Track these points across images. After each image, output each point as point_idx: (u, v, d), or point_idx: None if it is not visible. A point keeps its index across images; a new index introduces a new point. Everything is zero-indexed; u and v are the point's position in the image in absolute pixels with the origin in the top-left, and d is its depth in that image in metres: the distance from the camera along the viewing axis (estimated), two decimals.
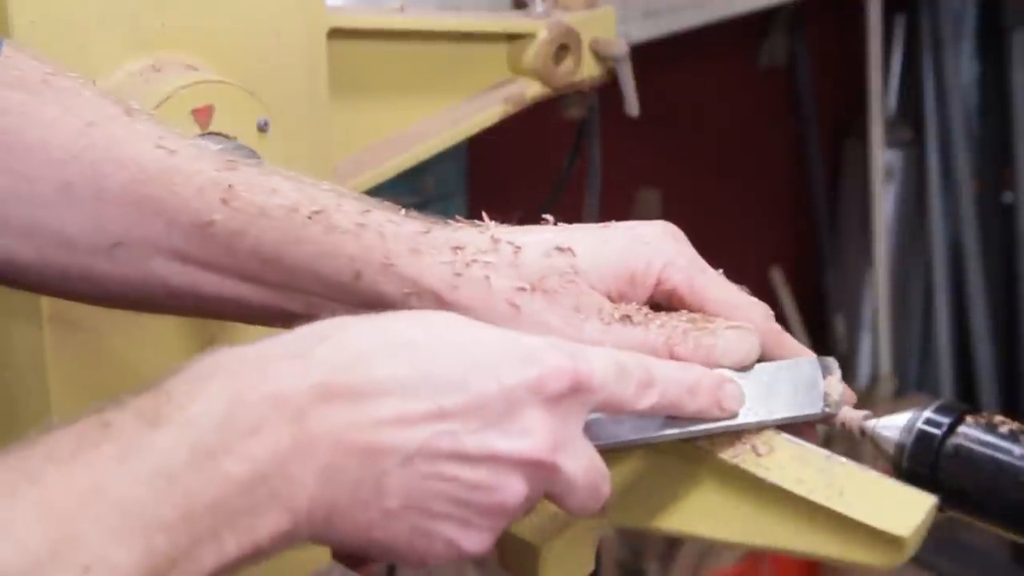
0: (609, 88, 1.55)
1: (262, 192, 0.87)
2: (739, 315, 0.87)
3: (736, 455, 0.85)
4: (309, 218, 0.86)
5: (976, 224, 3.51)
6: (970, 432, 0.81)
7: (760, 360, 0.87)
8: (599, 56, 1.52)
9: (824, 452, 0.84)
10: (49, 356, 1.12)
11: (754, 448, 0.85)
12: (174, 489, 0.66)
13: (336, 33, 1.27)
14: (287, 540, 0.71)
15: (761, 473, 0.84)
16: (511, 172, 2.49)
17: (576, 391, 0.76)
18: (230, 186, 0.86)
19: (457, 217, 0.90)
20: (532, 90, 1.48)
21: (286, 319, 0.89)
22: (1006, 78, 3.48)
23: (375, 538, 0.73)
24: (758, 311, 0.87)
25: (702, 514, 0.87)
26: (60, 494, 0.64)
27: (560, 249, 0.86)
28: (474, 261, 0.85)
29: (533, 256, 0.85)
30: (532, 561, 0.93)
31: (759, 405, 0.84)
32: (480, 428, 0.73)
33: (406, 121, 1.41)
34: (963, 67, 3.55)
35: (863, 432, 0.86)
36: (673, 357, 0.83)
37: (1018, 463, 0.79)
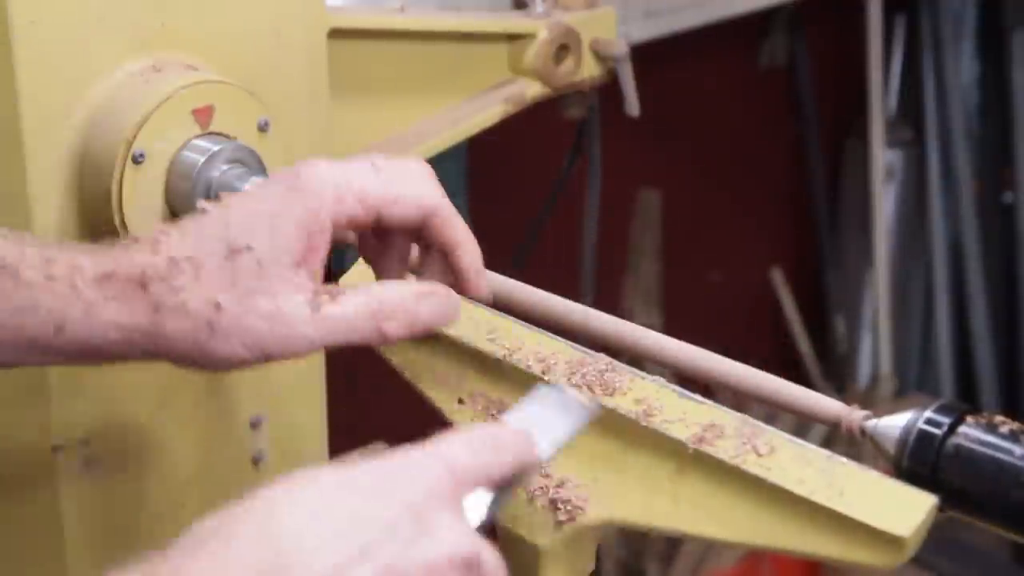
0: (609, 88, 1.56)
1: None
2: (408, 205, 0.89)
3: (737, 455, 0.85)
4: None
5: (976, 224, 3.51)
6: (970, 432, 0.81)
7: (428, 239, 0.91)
8: (599, 56, 1.52)
9: (825, 452, 0.84)
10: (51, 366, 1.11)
11: (754, 448, 0.85)
12: None
13: (336, 33, 1.27)
14: None
15: (762, 473, 0.84)
16: (511, 172, 2.49)
17: (456, 484, 0.75)
18: None
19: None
20: (532, 90, 1.48)
21: (12, 362, 0.91)
22: (1006, 78, 3.48)
23: None
24: (425, 188, 0.90)
25: (702, 514, 0.87)
26: None
27: (235, 250, 0.86)
28: (164, 292, 0.86)
29: (214, 264, 0.86)
30: (532, 561, 0.93)
31: (550, 432, 0.83)
32: (404, 549, 0.71)
33: (406, 121, 1.41)
34: (963, 67, 3.55)
35: (863, 432, 0.86)
36: (384, 332, 0.86)
37: (1018, 463, 0.79)
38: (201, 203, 0.90)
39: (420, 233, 0.92)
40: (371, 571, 0.70)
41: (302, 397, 1.28)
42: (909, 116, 3.57)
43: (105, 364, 0.92)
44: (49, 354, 0.89)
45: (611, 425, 0.91)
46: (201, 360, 0.88)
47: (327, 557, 0.69)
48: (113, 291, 0.87)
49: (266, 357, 0.87)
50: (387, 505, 0.72)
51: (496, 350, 0.96)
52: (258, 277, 0.86)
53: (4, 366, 0.92)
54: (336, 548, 0.70)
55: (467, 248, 0.92)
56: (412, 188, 0.91)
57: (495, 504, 0.77)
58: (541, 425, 0.83)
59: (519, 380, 0.95)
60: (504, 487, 0.78)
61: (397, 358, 1.02)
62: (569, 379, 0.93)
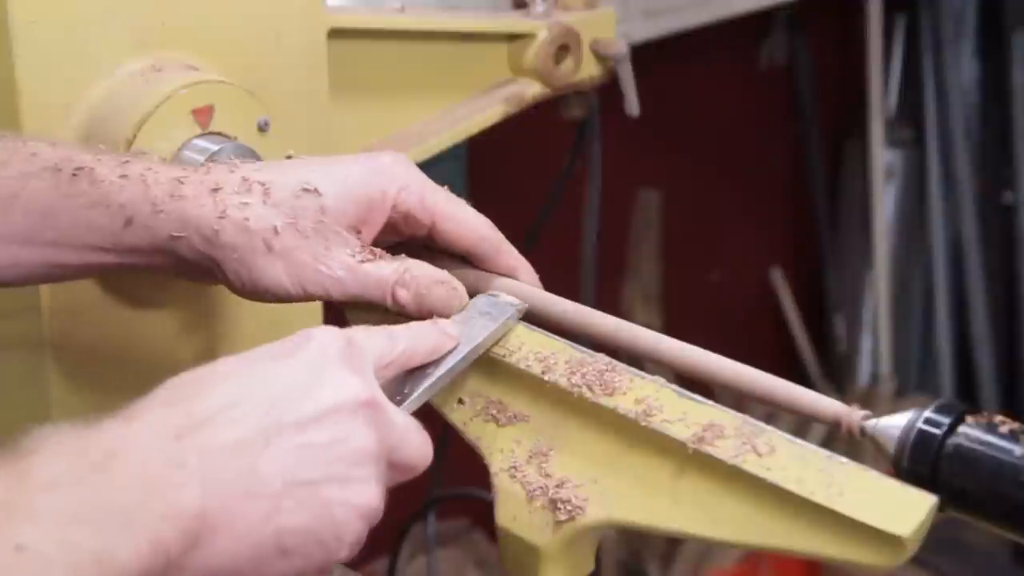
0: (609, 88, 1.56)
1: (24, 158, 0.95)
2: (467, 226, 0.99)
3: (737, 455, 0.85)
4: (74, 175, 0.94)
5: (976, 224, 3.51)
6: (970, 432, 0.81)
7: (481, 262, 1.00)
8: (599, 56, 1.52)
9: (825, 452, 0.84)
10: (49, 354, 1.12)
11: (754, 448, 0.85)
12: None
13: (336, 33, 1.27)
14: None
15: (762, 473, 0.84)
16: (511, 172, 2.49)
17: (352, 346, 0.84)
18: None
19: (211, 158, 1.00)
20: (532, 90, 1.48)
21: (63, 274, 0.98)
22: (1006, 78, 3.48)
23: (280, 526, 0.77)
24: (480, 221, 1.00)
25: (702, 514, 0.87)
26: None
27: (307, 190, 0.94)
28: (232, 204, 0.93)
29: (283, 195, 0.94)
30: (532, 561, 0.93)
31: (471, 331, 0.95)
32: (304, 397, 0.80)
33: (406, 121, 1.42)
34: (963, 67, 3.55)
35: (863, 432, 0.86)
36: (395, 298, 0.95)
37: (1018, 463, 0.79)
38: (289, 151, 0.99)
39: (473, 260, 1.00)
40: (271, 419, 0.78)
41: None
42: (909, 116, 3.57)
43: (158, 273, 0.99)
44: (111, 252, 0.95)
45: (611, 425, 0.91)
46: (246, 279, 0.94)
47: (232, 409, 0.77)
48: (182, 192, 0.94)
49: (303, 292, 0.94)
50: (291, 363, 0.81)
51: (496, 350, 0.96)
52: (317, 220, 0.94)
53: (61, 272, 0.98)
54: (241, 400, 0.78)
55: (524, 272, 1.01)
56: (472, 216, 1.00)
57: (427, 389, 0.90)
58: (469, 323, 0.95)
59: (519, 380, 0.95)
60: (428, 373, 0.91)
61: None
62: (569, 379, 0.93)
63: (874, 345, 3.58)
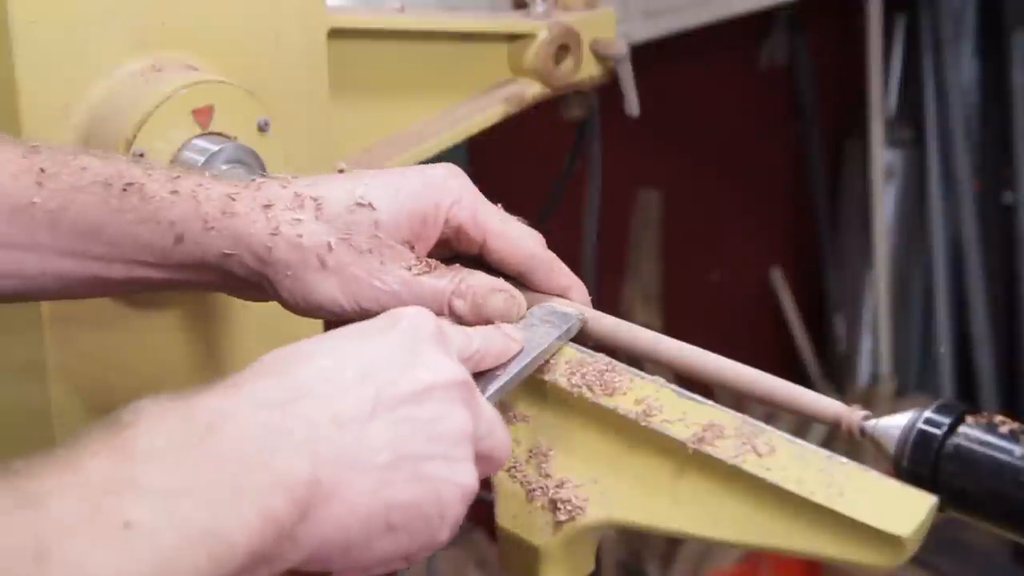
0: (609, 88, 1.55)
1: (74, 171, 0.92)
2: (518, 244, 0.97)
3: (737, 455, 0.85)
4: (124, 190, 0.92)
5: (976, 224, 3.51)
6: (970, 432, 0.81)
7: (532, 281, 0.98)
8: (599, 56, 1.52)
9: (825, 452, 0.84)
10: (49, 356, 1.12)
11: (754, 448, 0.85)
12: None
13: (336, 33, 1.27)
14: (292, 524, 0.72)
15: (762, 473, 0.84)
16: (511, 172, 2.49)
17: (441, 330, 0.84)
18: (42, 169, 0.91)
19: (262, 173, 0.96)
20: (532, 90, 1.48)
21: (108, 288, 0.97)
22: (1006, 78, 3.48)
23: (389, 500, 0.77)
24: (532, 240, 0.98)
25: (702, 514, 0.87)
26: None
27: (361, 204, 0.93)
28: (285, 220, 0.92)
29: (336, 210, 0.93)
30: (532, 561, 0.93)
31: (535, 337, 0.94)
32: (403, 372, 0.80)
33: (406, 121, 1.41)
34: (963, 67, 3.55)
35: (863, 432, 0.86)
36: (451, 308, 0.93)
37: (1018, 463, 0.79)
38: (338, 163, 0.97)
39: (524, 279, 0.98)
40: (374, 390, 0.78)
41: None
42: (909, 116, 3.57)
43: (207, 290, 0.98)
44: (160, 268, 0.94)
45: (611, 425, 0.91)
46: (300, 296, 0.93)
47: (334, 380, 0.77)
48: (234, 208, 0.92)
49: (358, 308, 0.92)
50: (386, 339, 0.81)
51: None
52: (371, 235, 0.92)
53: (107, 287, 0.96)
54: (342, 372, 0.78)
55: (576, 291, 0.99)
56: (524, 234, 0.98)
57: (497, 391, 0.89)
58: (531, 330, 0.94)
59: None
60: (496, 376, 0.90)
61: None
62: (569, 379, 0.93)
63: (874, 345, 3.58)
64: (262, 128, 1.14)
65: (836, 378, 3.60)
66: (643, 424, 0.89)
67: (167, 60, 1.12)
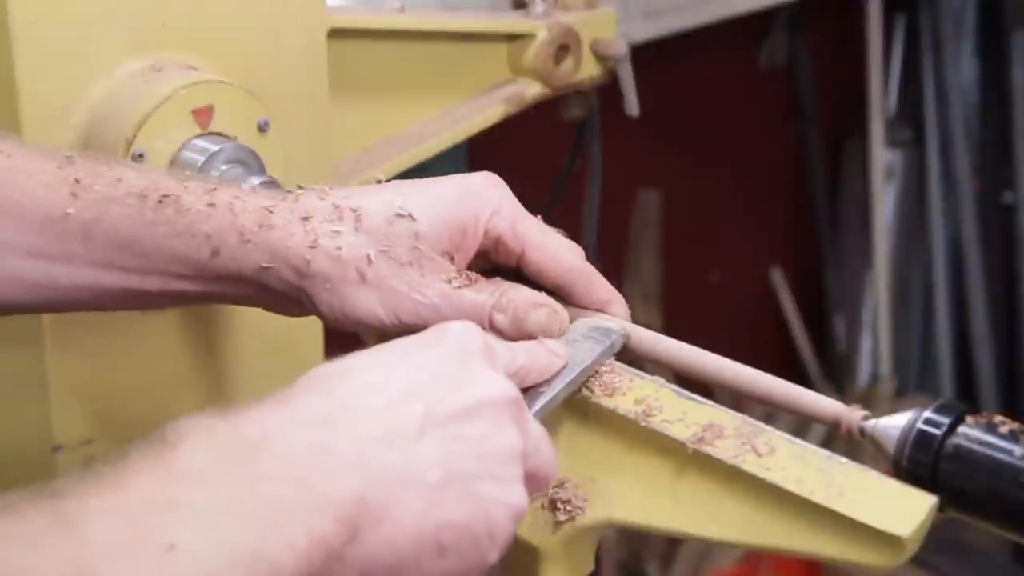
0: (609, 88, 1.55)
1: (108, 182, 0.91)
2: (557, 256, 0.95)
3: (737, 455, 0.85)
4: (160, 202, 0.90)
5: (976, 224, 3.51)
6: (970, 432, 0.81)
7: (571, 295, 0.96)
8: (599, 56, 1.51)
9: (824, 452, 0.84)
10: (49, 356, 1.12)
11: (754, 448, 0.85)
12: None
13: (336, 33, 1.27)
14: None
15: (761, 473, 0.84)
16: (511, 172, 2.49)
17: (489, 346, 0.83)
18: (76, 180, 0.90)
19: (298, 184, 0.95)
20: (532, 90, 1.48)
21: (142, 301, 0.95)
22: (1006, 78, 3.48)
23: (439, 520, 0.75)
24: (571, 252, 0.96)
25: (702, 514, 0.87)
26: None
27: (401, 215, 0.91)
28: (324, 232, 0.90)
29: (376, 222, 0.91)
30: (532, 561, 0.93)
31: (578, 353, 0.92)
32: (453, 389, 0.78)
33: (406, 121, 1.41)
34: (963, 67, 3.55)
35: (863, 432, 0.86)
36: (492, 323, 0.91)
37: (1018, 463, 0.79)
38: (378, 175, 0.94)
39: (563, 293, 0.96)
40: (422, 406, 0.76)
41: None
42: (909, 116, 3.57)
43: (243, 303, 0.96)
44: (196, 281, 0.92)
45: (611, 425, 0.91)
46: (338, 310, 0.91)
47: (381, 396, 0.76)
48: (271, 221, 0.90)
49: (398, 322, 0.91)
50: (433, 354, 0.80)
51: None
52: (411, 247, 0.90)
53: (141, 299, 0.94)
54: (389, 388, 0.76)
55: (617, 305, 0.97)
56: (563, 246, 0.96)
57: (540, 409, 0.87)
58: (574, 345, 0.92)
59: None
60: (540, 393, 0.88)
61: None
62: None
63: (874, 345, 3.58)
64: (262, 128, 1.14)
65: (836, 378, 3.60)
66: (643, 424, 0.89)
67: (167, 60, 1.12)
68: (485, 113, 1.44)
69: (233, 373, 1.22)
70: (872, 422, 0.86)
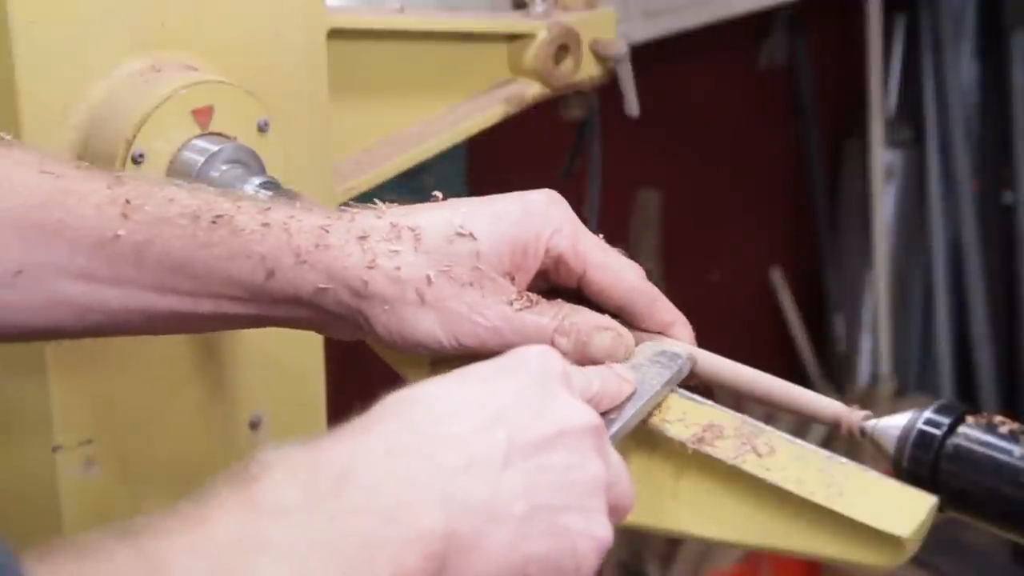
0: (609, 88, 1.55)
1: (160, 203, 0.88)
2: (619, 276, 0.92)
3: (737, 455, 0.85)
4: (213, 222, 0.88)
5: (976, 224, 3.51)
6: (970, 432, 0.81)
7: (634, 316, 0.93)
8: (599, 56, 1.51)
9: (824, 452, 0.84)
10: (49, 356, 1.12)
11: (754, 448, 0.85)
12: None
13: (336, 33, 1.27)
14: None
15: (761, 473, 0.84)
16: (511, 172, 2.49)
17: (568, 372, 0.80)
18: (127, 201, 0.87)
19: (350, 202, 0.92)
20: (532, 90, 1.48)
21: (193, 324, 0.92)
22: (1006, 78, 3.48)
23: (527, 554, 0.74)
24: (633, 272, 0.93)
25: (702, 514, 0.87)
26: None
27: (461, 234, 0.88)
28: (382, 252, 0.87)
29: (436, 241, 0.88)
30: None
31: (645, 378, 0.89)
32: (535, 416, 0.76)
33: (406, 121, 1.41)
34: (963, 67, 3.55)
35: (863, 432, 0.86)
36: (554, 345, 0.88)
37: (1018, 463, 0.79)
38: (435, 193, 0.93)
39: (625, 314, 0.93)
40: (505, 435, 0.74)
41: (302, 397, 1.28)
42: (909, 116, 3.57)
43: (299, 327, 0.93)
44: (251, 304, 0.89)
45: None
46: (396, 332, 0.88)
47: (463, 424, 0.74)
48: (328, 241, 0.88)
49: (457, 344, 0.88)
50: (514, 381, 0.77)
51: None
52: (471, 267, 0.88)
53: (195, 323, 0.92)
54: (471, 416, 0.74)
55: (680, 327, 0.94)
56: (625, 266, 0.93)
57: (612, 436, 0.83)
58: (641, 370, 0.89)
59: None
60: (612, 419, 0.84)
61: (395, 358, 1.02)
62: None
63: (874, 345, 3.58)
64: (262, 128, 1.14)
65: (836, 378, 3.60)
66: (643, 424, 0.89)
67: (167, 60, 1.12)
68: (485, 113, 1.44)
69: (233, 373, 1.22)
70: (872, 422, 0.86)
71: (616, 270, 0.92)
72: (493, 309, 0.88)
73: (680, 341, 0.93)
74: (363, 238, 0.88)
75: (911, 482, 0.82)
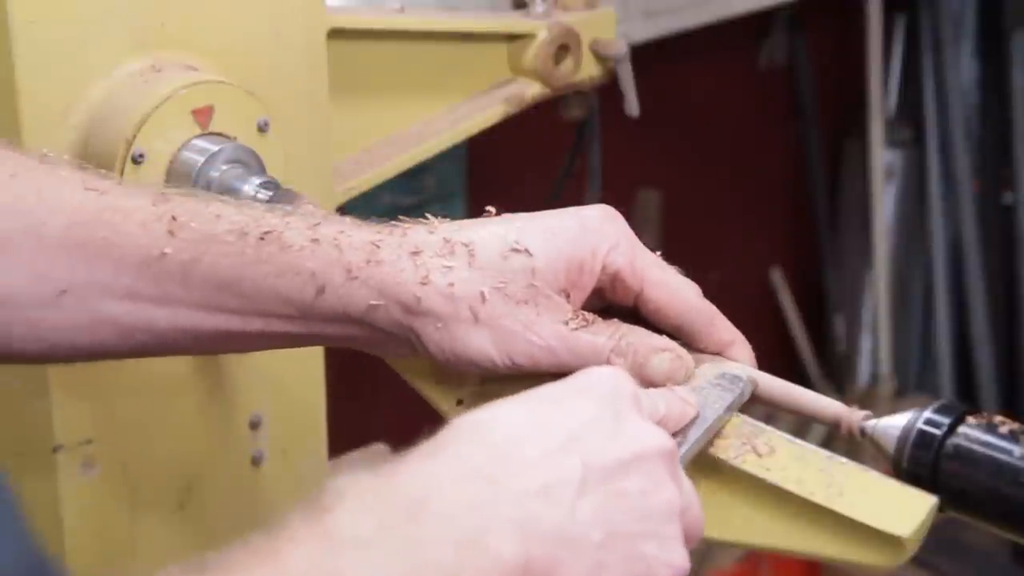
0: (609, 88, 1.55)
1: (207, 219, 0.86)
2: (677, 295, 0.90)
3: (737, 455, 0.85)
4: (261, 239, 0.86)
5: (976, 224, 3.51)
6: (970, 432, 0.81)
7: (692, 336, 0.90)
8: (599, 56, 1.51)
9: (825, 452, 0.84)
10: None
11: (754, 448, 0.85)
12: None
13: (336, 33, 1.27)
14: None
15: (761, 473, 0.84)
16: (511, 172, 2.49)
17: (639, 394, 0.79)
18: (173, 218, 0.86)
19: (400, 217, 0.91)
20: (532, 90, 1.48)
21: (242, 343, 0.91)
22: (1006, 78, 3.48)
23: None
24: (692, 291, 0.91)
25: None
26: None
27: (516, 250, 0.86)
28: (435, 268, 0.85)
29: (490, 257, 0.86)
30: None
31: (707, 401, 0.87)
32: (609, 440, 0.74)
33: (406, 121, 1.41)
34: (963, 67, 3.55)
35: (863, 432, 0.86)
36: (612, 365, 0.86)
37: (1018, 463, 0.79)
38: (488, 208, 0.91)
39: (682, 334, 0.91)
40: (579, 460, 0.71)
41: (302, 397, 1.28)
42: (909, 116, 3.57)
43: (350, 346, 0.91)
44: (300, 322, 0.87)
45: None
46: (449, 350, 0.86)
47: (536, 447, 0.71)
48: (379, 256, 0.86)
49: (510, 363, 0.86)
50: (586, 404, 0.75)
51: None
52: (527, 284, 0.86)
53: (244, 342, 0.90)
54: (544, 441, 0.72)
55: (740, 348, 0.92)
56: (683, 283, 0.91)
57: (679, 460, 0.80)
58: (701, 393, 0.86)
59: (518, 380, 0.95)
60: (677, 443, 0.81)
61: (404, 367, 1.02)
62: None
63: (874, 345, 3.58)
64: (262, 128, 1.14)
65: (836, 378, 3.60)
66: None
67: (167, 60, 1.12)
68: (485, 113, 1.44)
69: (233, 373, 1.22)
70: (872, 422, 0.86)
71: (674, 288, 0.90)
72: (548, 328, 0.86)
73: (739, 362, 0.91)
74: (416, 253, 0.86)
75: (911, 482, 0.82)
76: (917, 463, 0.82)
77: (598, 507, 0.71)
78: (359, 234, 0.87)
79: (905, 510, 0.80)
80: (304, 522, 0.66)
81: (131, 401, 1.16)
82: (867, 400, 3.38)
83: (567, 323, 0.86)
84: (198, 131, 1.10)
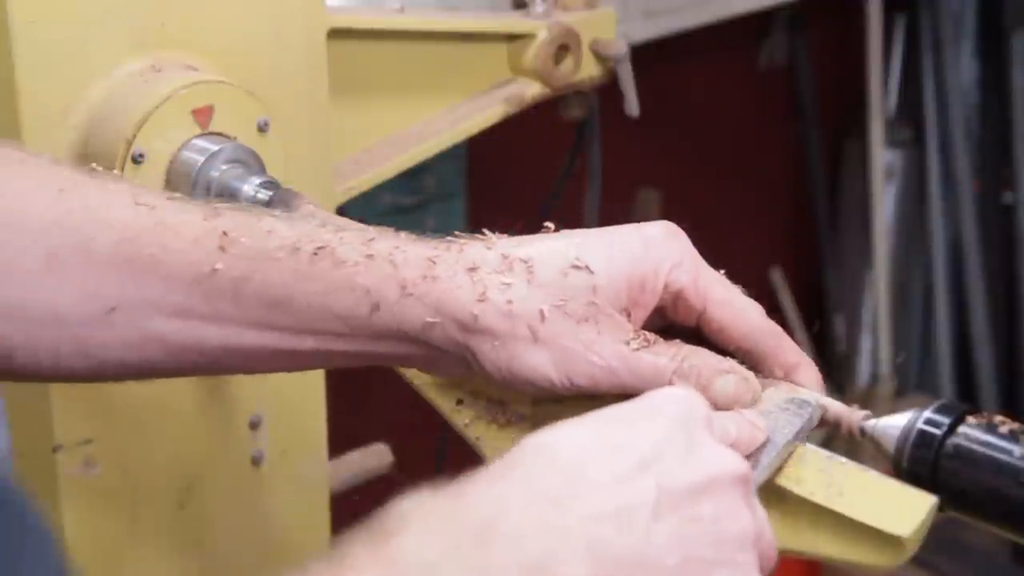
0: (609, 88, 1.55)
1: (258, 235, 0.85)
2: (741, 315, 0.87)
3: None
4: (314, 254, 0.84)
5: (976, 224, 3.51)
6: (970, 432, 0.81)
7: (756, 358, 0.88)
8: (599, 56, 1.51)
9: (825, 452, 0.84)
10: None
11: None
12: None
13: (336, 33, 1.27)
14: None
15: None
16: (511, 172, 2.49)
17: (711, 417, 0.77)
18: (224, 233, 0.84)
19: (456, 233, 0.88)
20: (532, 90, 1.48)
21: (295, 362, 0.88)
22: (1006, 78, 3.48)
23: None
24: (756, 311, 0.88)
25: None
26: None
27: (576, 267, 0.84)
28: (493, 284, 0.83)
29: (549, 274, 0.84)
30: None
31: (776, 426, 0.84)
32: (682, 463, 0.72)
33: (406, 121, 1.41)
34: (963, 67, 3.55)
35: (863, 432, 0.86)
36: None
37: (1018, 463, 0.79)
38: (547, 224, 0.89)
39: (746, 355, 0.88)
40: (653, 482, 0.70)
41: (302, 397, 1.28)
42: (909, 116, 3.57)
43: (405, 365, 0.90)
44: (354, 340, 0.85)
45: None
46: (506, 369, 0.84)
47: (608, 471, 0.69)
48: (435, 272, 0.84)
49: (569, 384, 0.84)
50: (657, 425, 0.73)
51: None
52: (588, 302, 0.83)
53: (296, 361, 0.88)
54: (615, 463, 0.70)
55: (805, 371, 0.89)
56: (748, 303, 0.88)
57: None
58: (769, 417, 0.84)
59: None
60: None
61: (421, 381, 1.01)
62: None
63: (874, 345, 3.58)
64: (262, 128, 1.14)
65: (836, 378, 3.60)
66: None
67: (167, 60, 1.12)
68: (485, 113, 1.44)
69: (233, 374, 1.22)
70: (872, 422, 0.86)
71: (739, 308, 0.87)
72: (609, 348, 0.83)
73: (806, 387, 0.88)
74: (472, 270, 0.84)
75: (911, 482, 0.82)
76: (917, 463, 0.82)
77: (673, 531, 0.69)
78: (414, 249, 0.85)
79: (905, 510, 0.79)
80: (367, 548, 0.64)
81: (131, 401, 1.16)
82: (867, 400, 3.38)
83: (628, 343, 0.84)
84: (198, 131, 1.10)
